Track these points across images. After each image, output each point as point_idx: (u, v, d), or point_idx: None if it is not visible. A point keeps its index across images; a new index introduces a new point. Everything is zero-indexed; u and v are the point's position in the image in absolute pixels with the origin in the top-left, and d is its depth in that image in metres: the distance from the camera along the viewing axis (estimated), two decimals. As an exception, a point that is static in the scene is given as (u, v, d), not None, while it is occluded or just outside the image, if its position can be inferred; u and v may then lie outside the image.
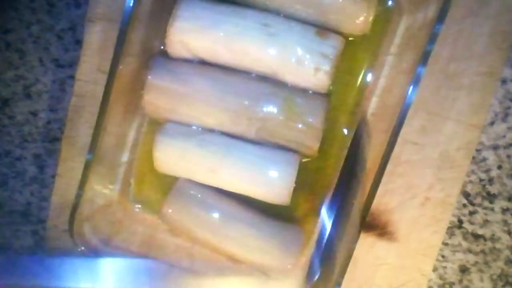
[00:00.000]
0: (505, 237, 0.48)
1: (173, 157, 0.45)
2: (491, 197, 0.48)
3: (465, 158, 0.44)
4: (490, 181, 0.47)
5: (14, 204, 0.52)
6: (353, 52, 0.44)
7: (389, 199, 0.45)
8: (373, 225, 0.45)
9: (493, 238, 0.48)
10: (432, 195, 0.45)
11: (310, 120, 0.43)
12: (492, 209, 0.48)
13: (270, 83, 0.43)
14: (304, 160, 0.45)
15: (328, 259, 0.41)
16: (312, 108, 0.43)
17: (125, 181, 0.48)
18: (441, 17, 0.36)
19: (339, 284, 0.40)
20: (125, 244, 0.47)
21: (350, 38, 0.44)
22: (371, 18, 0.42)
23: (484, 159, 0.47)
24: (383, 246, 0.46)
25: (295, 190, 0.43)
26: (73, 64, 0.49)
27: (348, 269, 0.40)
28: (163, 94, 0.44)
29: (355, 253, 0.40)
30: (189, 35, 0.42)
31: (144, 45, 0.43)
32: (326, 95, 0.44)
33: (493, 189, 0.48)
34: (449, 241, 0.49)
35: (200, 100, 0.43)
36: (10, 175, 0.52)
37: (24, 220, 0.53)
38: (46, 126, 0.50)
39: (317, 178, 0.47)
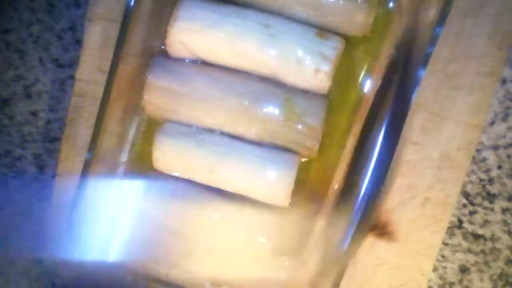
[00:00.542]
0: (505, 237, 0.48)
1: (172, 156, 0.45)
2: (491, 197, 0.48)
3: (465, 158, 0.44)
4: (490, 181, 0.47)
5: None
6: (354, 53, 0.44)
7: (389, 199, 0.45)
8: (373, 225, 0.45)
9: (493, 238, 0.48)
10: (432, 195, 0.45)
11: (310, 121, 0.43)
12: (492, 209, 0.48)
13: (270, 83, 0.43)
14: (303, 160, 0.45)
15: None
16: (312, 108, 0.43)
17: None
18: (441, 18, 0.36)
19: (339, 284, 0.40)
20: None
21: (350, 40, 0.44)
22: (371, 20, 0.42)
23: (484, 159, 0.47)
24: (383, 246, 0.46)
25: (295, 190, 0.43)
26: (73, 64, 0.49)
27: (348, 269, 0.40)
28: (163, 94, 0.44)
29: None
30: (189, 35, 0.42)
31: (144, 45, 0.43)
32: (326, 96, 0.44)
33: (493, 189, 0.48)
34: (449, 241, 0.49)
35: (200, 100, 0.43)
36: (10, 175, 0.52)
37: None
38: (46, 126, 0.50)
39: (317, 178, 0.47)
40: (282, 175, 0.43)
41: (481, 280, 0.49)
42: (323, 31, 0.42)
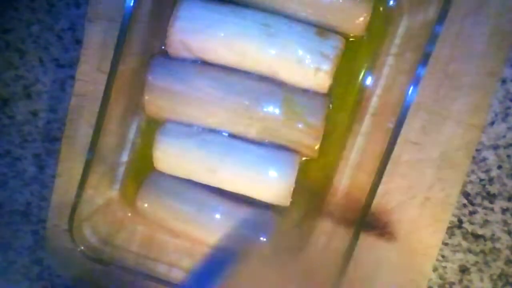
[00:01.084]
0: (505, 237, 0.48)
1: (173, 156, 0.45)
2: (491, 197, 0.48)
3: (465, 158, 0.44)
4: (490, 181, 0.47)
5: (14, 204, 0.52)
6: (354, 52, 0.44)
7: (389, 199, 0.45)
8: (373, 225, 0.45)
9: (493, 238, 0.48)
10: (432, 195, 0.45)
11: (310, 120, 0.43)
12: (492, 209, 0.48)
13: (270, 82, 0.43)
14: (304, 159, 0.45)
15: None
16: (312, 107, 0.43)
17: (125, 181, 0.48)
18: (441, 18, 0.36)
19: (339, 284, 0.40)
20: (125, 244, 0.47)
21: (350, 38, 0.44)
22: (368, 18, 0.42)
23: (484, 159, 0.47)
24: (383, 246, 0.46)
25: (295, 190, 0.43)
26: (73, 64, 0.49)
27: (348, 269, 0.40)
28: (163, 94, 0.44)
29: (355, 253, 0.40)
30: (189, 35, 0.42)
31: (144, 45, 0.43)
32: (327, 95, 0.44)
33: (493, 189, 0.48)
34: (449, 241, 0.49)
35: (200, 100, 0.43)
36: (10, 175, 0.52)
37: (24, 220, 0.53)
38: (46, 126, 0.50)
39: (317, 178, 0.47)
40: (283, 175, 0.43)
41: (481, 280, 0.49)
42: (323, 30, 0.42)
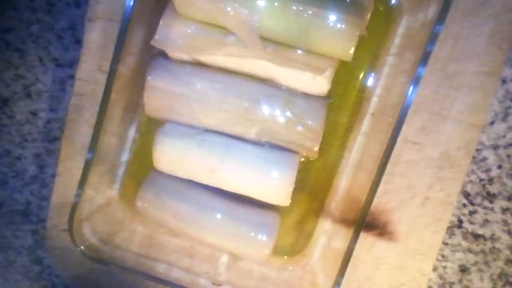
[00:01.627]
0: (505, 237, 0.48)
1: (172, 157, 0.45)
2: (491, 197, 0.48)
3: (465, 158, 0.44)
4: (490, 181, 0.47)
5: (14, 203, 0.52)
6: (354, 52, 0.44)
7: (389, 199, 0.45)
8: (373, 225, 0.45)
9: (493, 238, 0.48)
10: (432, 195, 0.45)
11: (310, 122, 0.42)
12: (492, 209, 0.48)
13: (270, 85, 0.43)
14: (304, 160, 0.45)
15: None
16: (312, 110, 0.43)
17: (125, 181, 0.48)
18: (441, 17, 0.36)
19: (339, 284, 0.40)
20: (125, 244, 0.47)
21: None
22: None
23: (484, 159, 0.47)
24: (383, 246, 0.46)
25: (295, 190, 0.43)
26: (73, 63, 0.49)
27: (348, 269, 0.40)
28: (162, 95, 0.44)
29: (355, 253, 0.40)
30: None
31: (144, 45, 0.43)
32: (326, 97, 0.44)
33: (493, 189, 0.48)
34: (449, 241, 0.49)
35: (199, 101, 0.43)
36: (10, 174, 0.52)
37: (24, 219, 0.53)
38: (46, 125, 0.50)
39: (317, 178, 0.47)
40: (283, 175, 0.43)
41: (481, 279, 0.49)
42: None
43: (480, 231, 0.48)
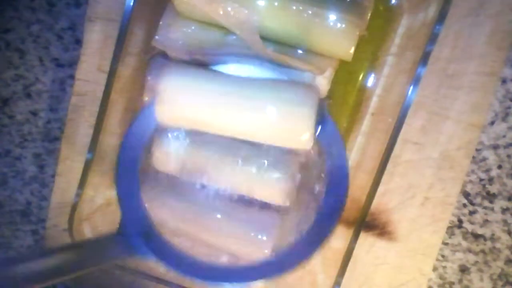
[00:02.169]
0: (505, 237, 0.48)
1: (172, 156, 0.45)
2: (491, 197, 0.48)
3: (465, 158, 0.44)
4: (490, 181, 0.47)
5: (14, 203, 0.52)
6: (354, 52, 0.44)
7: (389, 199, 0.45)
8: (373, 225, 0.45)
9: (493, 238, 0.48)
10: (432, 195, 0.45)
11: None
12: (492, 209, 0.48)
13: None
14: (303, 160, 0.45)
15: None
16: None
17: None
18: (441, 17, 0.36)
19: (339, 284, 0.40)
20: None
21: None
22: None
23: (484, 159, 0.47)
24: (383, 246, 0.46)
25: (295, 190, 0.43)
26: (73, 63, 0.49)
27: (348, 269, 0.40)
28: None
29: (355, 253, 0.40)
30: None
31: (144, 45, 0.43)
32: (326, 97, 0.44)
33: (493, 189, 0.48)
34: (449, 241, 0.49)
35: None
36: (10, 174, 0.52)
37: (24, 219, 0.53)
38: (46, 125, 0.50)
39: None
40: (283, 175, 0.43)
41: (481, 279, 0.49)
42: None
43: (480, 231, 0.48)
